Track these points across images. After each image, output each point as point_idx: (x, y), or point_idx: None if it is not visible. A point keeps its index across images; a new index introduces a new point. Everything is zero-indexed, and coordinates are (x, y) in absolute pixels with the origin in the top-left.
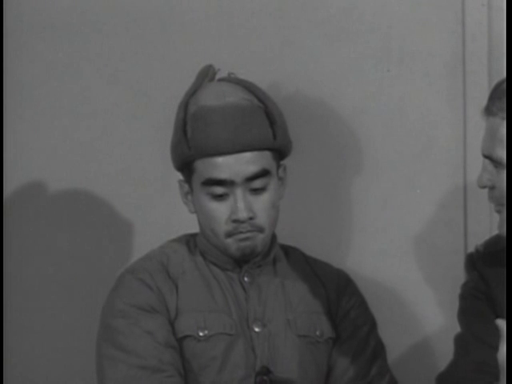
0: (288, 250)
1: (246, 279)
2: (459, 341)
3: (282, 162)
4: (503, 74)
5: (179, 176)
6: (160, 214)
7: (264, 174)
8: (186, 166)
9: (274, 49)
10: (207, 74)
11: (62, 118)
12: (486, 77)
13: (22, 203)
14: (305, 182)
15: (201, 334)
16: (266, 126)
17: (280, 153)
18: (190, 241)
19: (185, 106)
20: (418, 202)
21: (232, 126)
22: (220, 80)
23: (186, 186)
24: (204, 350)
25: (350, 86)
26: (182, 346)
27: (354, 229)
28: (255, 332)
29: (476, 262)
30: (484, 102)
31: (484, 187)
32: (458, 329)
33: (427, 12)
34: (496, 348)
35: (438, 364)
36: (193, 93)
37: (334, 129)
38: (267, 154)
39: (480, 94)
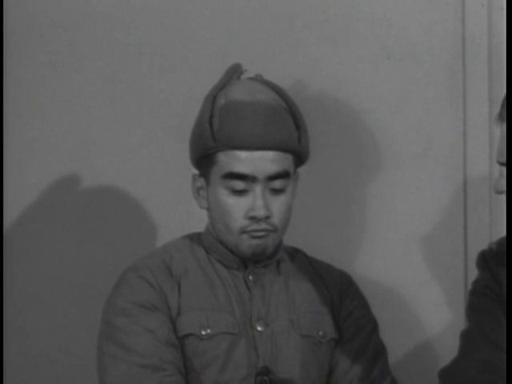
0: (291, 252)
1: (250, 278)
2: (466, 337)
3: (297, 170)
4: (503, 73)
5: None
6: (160, 214)
7: (285, 175)
8: (205, 159)
9: (274, 50)
10: (236, 71)
11: (63, 117)
12: (485, 77)
13: (22, 203)
14: (304, 182)
15: (203, 332)
16: (293, 129)
17: (300, 158)
18: (193, 239)
19: (213, 98)
20: (418, 202)
21: (262, 123)
22: (248, 79)
23: (201, 180)
24: (206, 348)
25: (349, 85)
26: (184, 345)
27: (354, 229)
28: (258, 331)
29: (488, 260)
30: (484, 101)
31: (501, 193)
32: (458, 329)
33: (427, 12)
34: (503, 348)
35: (439, 365)
36: (222, 87)
37: (334, 129)
38: (289, 157)
39: (480, 93)
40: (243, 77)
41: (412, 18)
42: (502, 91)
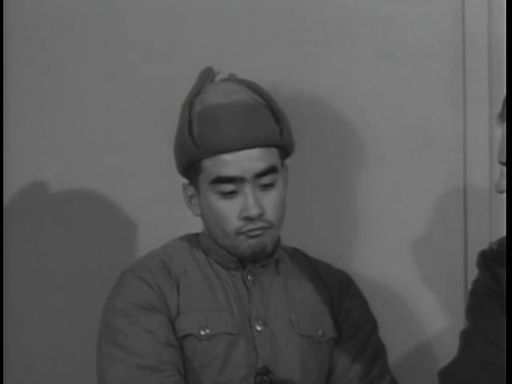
0: (290, 251)
1: (249, 278)
2: (465, 337)
3: (284, 162)
4: (503, 73)
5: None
6: (162, 213)
7: (272, 170)
8: (192, 167)
9: (275, 49)
10: (208, 76)
11: (63, 117)
12: (485, 77)
13: (23, 203)
14: (304, 182)
15: (202, 332)
16: (273, 124)
17: (285, 151)
18: (192, 240)
19: (189, 105)
20: (418, 202)
21: (240, 123)
22: (222, 80)
23: (191, 189)
24: (205, 349)
25: (349, 85)
26: (183, 345)
27: (353, 229)
28: (257, 331)
29: (488, 260)
30: (484, 101)
31: (502, 192)
32: (458, 329)
33: (427, 12)
34: (502, 348)
35: (439, 365)
36: (197, 93)
37: (334, 129)
38: (274, 151)
39: (480, 94)
40: (217, 78)
41: (412, 18)
42: (502, 91)
